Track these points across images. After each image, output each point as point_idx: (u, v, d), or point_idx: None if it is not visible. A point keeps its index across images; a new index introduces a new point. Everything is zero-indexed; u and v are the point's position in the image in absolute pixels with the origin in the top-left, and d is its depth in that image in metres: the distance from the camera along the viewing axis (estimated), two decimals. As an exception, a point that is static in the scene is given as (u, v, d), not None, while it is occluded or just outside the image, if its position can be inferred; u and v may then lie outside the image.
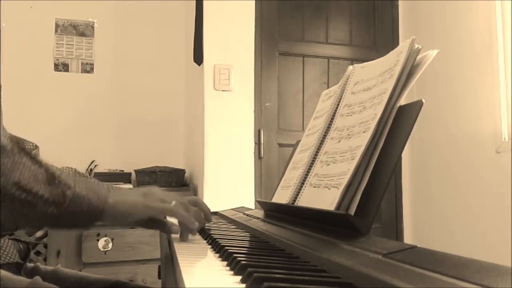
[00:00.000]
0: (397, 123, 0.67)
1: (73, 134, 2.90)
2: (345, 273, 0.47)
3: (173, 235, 0.78)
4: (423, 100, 0.64)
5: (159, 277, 0.74)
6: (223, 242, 0.68)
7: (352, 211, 0.65)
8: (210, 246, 0.72)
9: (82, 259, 2.28)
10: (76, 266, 2.25)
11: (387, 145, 0.66)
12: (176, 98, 3.10)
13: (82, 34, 2.98)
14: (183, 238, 0.77)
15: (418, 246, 0.49)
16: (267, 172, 2.61)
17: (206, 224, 0.93)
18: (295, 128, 2.68)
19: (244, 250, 0.67)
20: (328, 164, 0.79)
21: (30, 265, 0.97)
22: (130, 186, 2.73)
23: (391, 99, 0.69)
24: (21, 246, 0.92)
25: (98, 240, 2.28)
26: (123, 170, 2.83)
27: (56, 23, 2.94)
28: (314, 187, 0.82)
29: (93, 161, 2.87)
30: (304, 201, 0.85)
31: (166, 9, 3.12)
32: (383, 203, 2.72)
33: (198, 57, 2.56)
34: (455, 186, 2.46)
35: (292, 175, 0.97)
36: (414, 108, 0.65)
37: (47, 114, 2.87)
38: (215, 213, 1.35)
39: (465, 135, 2.40)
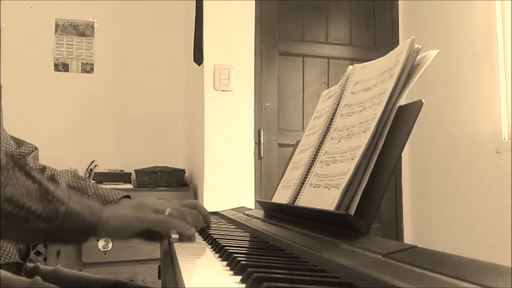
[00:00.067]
0: (397, 123, 0.67)
1: (73, 134, 2.90)
2: (345, 273, 0.47)
3: (172, 236, 0.78)
4: (423, 100, 0.64)
5: (159, 277, 0.74)
6: (223, 242, 0.68)
7: (352, 211, 0.65)
8: (210, 246, 0.72)
9: (82, 259, 2.28)
10: (76, 266, 2.25)
11: (387, 145, 0.66)
12: (176, 98, 3.10)
13: (82, 34, 2.98)
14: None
15: (418, 246, 0.49)
16: (267, 172, 2.61)
17: (206, 225, 0.93)
18: (295, 128, 2.68)
19: (244, 250, 0.67)
20: (328, 164, 0.79)
21: (30, 265, 0.97)
22: (130, 186, 2.73)
23: (391, 99, 0.69)
24: (21, 246, 0.92)
25: (98, 240, 2.28)
26: (123, 170, 2.83)
27: (56, 23, 2.94)
28: (314, 187, 0.82)
29: (93, 161, 2.87)
30: (304, 201, 0.85)
31: (166, 9, 3.12)
32: (383, 203, 2.72)
33: (198, 57, 2.56)
34: (455, 186, 2.46)
35: (292, 175, 0.97)
36: (414, 108, 0.65)
37: (47, 114, 2.87)
38: (215, 213, 1.35)
39: (465, 135, 2.40)
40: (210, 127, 2.44)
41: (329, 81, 2.78)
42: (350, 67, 0.92)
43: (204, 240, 0.80)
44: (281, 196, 0.97)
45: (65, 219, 0.64)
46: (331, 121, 0.89)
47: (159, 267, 0.76)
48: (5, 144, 0.98)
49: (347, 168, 0.70)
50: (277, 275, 0.45)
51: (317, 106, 1.04)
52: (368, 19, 2.90)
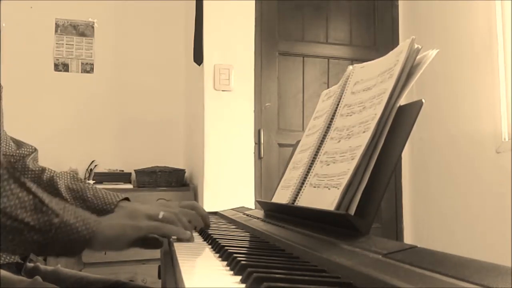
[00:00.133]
0: (397, 123, 0.67)
1: (73, 134, 2.90)
2: (345, 273, 0.47)
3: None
4: (423, 100, 0.64)
5: (159, 277, 0.74)
6: (223, 242, 0.68)
7: (352, 211, 0.65)
8: (210, 246, 0.72)
9: (82, 259, 2.28)
10: (76, 266, 2.25)
11: (387, 145, 0.66)
12: (176, 98, 3.10)
13: (82, 34, 2.98)
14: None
15: (418, 246, 0.49)
16: (267, 172, 2.61)
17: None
18: (295, 128, 2.68)
19: (244, 250, 0.67)
20: (328, 164, 0.79)
21: (30, 265, 0.97)
22: (130, 186, 2.73)
23: (391, 99, 0.69)
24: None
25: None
26: (123, 170, 2.83)
27: (56, 23, 2.94)
28: (314, 187, 0.82)
29: (93, 161, 2.87)
30: (304, 201, 0.85)
31: (166, 9, 3.12)
32: (383, 203, 2.72)
33: (198, 57, 2.56)
34: (455, 186, 2.46)
35: (292, 175, 0.97)
36: (414, 108, 0.65)
37: (47, 114, 2.87)
38: (215, 213, 1.35)
39: (465, 135, 2.40)
40: (210, 127, 2.44)
41: (329, 81, 2.78)
42: (350, 67, 0.92)
43: (204, 240, 0.80)
44: (281, 196, 0.97)
45: (59, 231, 0.64)
46: (331, 121, 0.89)
47: (159, 267, 0.76)
48: (4, 145, 0.98)
49: (347, 168, 0.70)
50: (277, 275, 0.45)
51: (317, 106, 1.04)
52: (368, 19, 2.90)
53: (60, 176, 0.98)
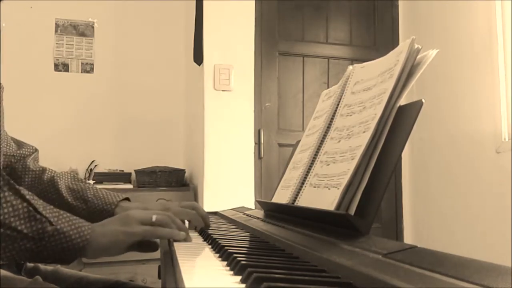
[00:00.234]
0: (397, 123, 0.67)
1: (73, 134, 2.90)
2: (345, 273, 0.47)
3: None
4: (423, 100, 0.64)
5: (159, 277, 0.74)
6: (223, 242, 0.68)
7: (352, 211, 0.65)
8: (210, 246, 0.72)
9: (82, 259, 2.28)
10: (76, 266, 2.25)
11: (387, 145, 0.66)
12: (176, 98, 3.10)
13: (82, 34, 2.98)
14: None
15: (418, 246, 0.49)
16: (267, 172, 2.61)
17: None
18: (295, 128, 2.68)
19: (244, 250, 0.67)
20: (328, 164, 0.79)
21: (30, 265, 0.97)
22: (130, 186, 2.73)
23: (391, 99, 0.69)
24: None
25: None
26: (123, 170, 2.83)
27: (56, 23, 2.94)
28: (314, 187, 0.82)
29: (93, 161, 2.87)
30: (304, 201, 0.85)
31: (166, 9, 3.12)
32: (383, 203, 2.72)
33: (198, 57, 2.56)
34: (455, 186, 2.46)
35: (292, 175, 0.97)
36: (414, 108, 0.65)
37: (47, 114, 2.87)
38: (215, 213, 1.35)
39: (465, 135, 2.39)
40: (210, 127, 2.44)
41: (329, 81, 2.78)
42: (350, 67, 0.92)
43: (204, 240, 0.80)
44: (281, 196, 0.97)
45: (52, 239, 0.64)
46: (331, 121, 0.89)
47: (159, 267, 0.76)
48: (5, 146, 0.98)
49: (347, 168, 0.70)
50: (277, 275, 0.45)
51: (317, 106, 1.04)
52: (368, 19, 2.90)
53: (61, 176, 0.98)
